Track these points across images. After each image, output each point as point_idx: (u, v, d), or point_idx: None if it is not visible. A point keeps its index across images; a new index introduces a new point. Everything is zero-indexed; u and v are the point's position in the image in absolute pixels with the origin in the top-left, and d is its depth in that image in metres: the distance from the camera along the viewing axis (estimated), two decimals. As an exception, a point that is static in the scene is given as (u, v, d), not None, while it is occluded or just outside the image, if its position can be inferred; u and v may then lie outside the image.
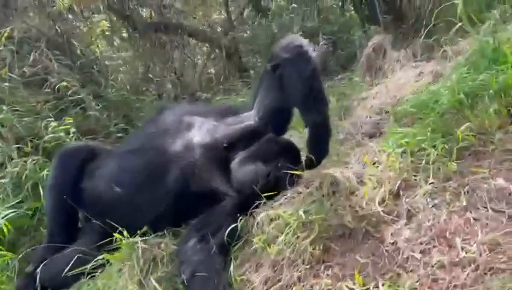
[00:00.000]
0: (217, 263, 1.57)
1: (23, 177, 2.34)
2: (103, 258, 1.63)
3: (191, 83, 5.16)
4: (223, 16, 5.60)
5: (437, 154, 1.81)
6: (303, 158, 1.99)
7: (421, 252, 1.46)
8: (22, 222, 2.23)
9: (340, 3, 6.42)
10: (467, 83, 2.12)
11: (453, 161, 1.78)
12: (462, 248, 1.42)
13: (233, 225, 1.66)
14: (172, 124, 2.01)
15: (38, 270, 1.88)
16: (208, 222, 1.74)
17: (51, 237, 2.05)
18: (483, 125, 1.96)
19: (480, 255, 1.35)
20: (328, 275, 1.48)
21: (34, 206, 2.29)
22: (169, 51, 5.24)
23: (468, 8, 2.79)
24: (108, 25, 6.56)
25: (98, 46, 4.56)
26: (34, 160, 2.43)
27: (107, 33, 6.91)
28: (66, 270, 1.67)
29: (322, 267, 1.52)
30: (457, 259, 1.37)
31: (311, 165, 1.89)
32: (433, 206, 1.65)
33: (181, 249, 1.66)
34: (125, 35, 5.54)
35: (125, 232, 1.69)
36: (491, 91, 2.03)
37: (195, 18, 5.66)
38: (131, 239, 1.67)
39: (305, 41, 1.87)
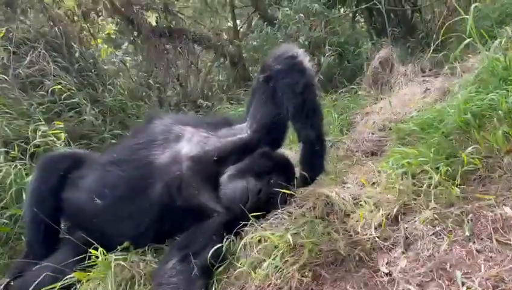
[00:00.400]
0: (196, 287, 1.46)
1: (7, 182, 2.25)
2: (73, 277, 1.53)
3: (193, 91, 5.08)
4: (229, 24, 5.53)
5: (440, 177, 1.70)
6: (297, 175, 1.88)
7: (418, 285, 1.35)
8: (2, 230, 2.13)
9: (351, 15, 6.36)
10: (474, 103, 2.01)
11: (456, 185, 1.66)
12: (463, 283, 1.30)
13: (217, 246, 1.55)
14: (160, 134, 1.90)
15: (11, 283, 1.78)
16: (192, 241, 1.62)
17: (29, 248, 1.95)
18: (491, 149, 1.84)
19: (483, 292, 1.23)
20: (315, 305, 1.37)
21: (17, 213, 2.18)
22: (173, 57, 5.16)
23: (479, 23, 2.69)
24: (114, 28, 6.54)
25: (99, 49, 4.47)
26: (21, 165, 2.33)
27: (112, 36, 6.90)
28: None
29: (310, 297, 1.40)
30: (457, 295, 1.25)
31: (305, 182, 1.78)
32: (433, 234, 1.53)
33: (160, 269, 1.55)
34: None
35: (100, 249, 1.57)
36: (500, 112, 1.91)
37: (201, 25, 5.59)
38: (107, 256, 1.56)
39: (299, 52, 1.77)
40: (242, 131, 1.95)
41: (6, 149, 2.45)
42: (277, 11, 5.21)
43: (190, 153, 1.81)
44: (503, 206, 1.56)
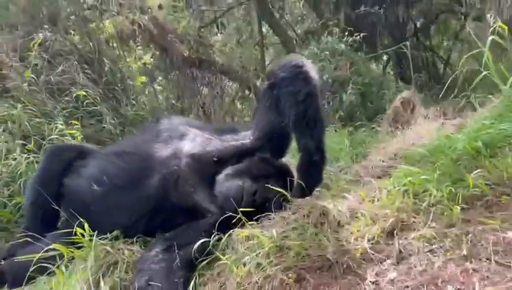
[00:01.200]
0: (176, 277, 1.42)
1: (18, 172, 2.32)
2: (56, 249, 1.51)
3: (216, 119, 5.18)
4: (256, 56, 5.70)
5: (442, 197, 1.63)
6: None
7: (405, 296, 1.26)
8: (4, 215, 2.18)
9: (381, 66, 6.46)
10: (486, 131, 1.95)
11: (459, 206, 1.59)
12: (454, 299, 1.21)
13: (204, 240, 1.52)
14: (165, 131, 1.93)
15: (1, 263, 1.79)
16: (180, 234, 1.61)
17: (26, 231, 1.97)
18: (501, 176, 1.77)
19: (475, 309, 1.14)
20: (294, 307, 1.30)
21: (22, 202, 2.23)
22: (200, 86, 5.32)
23: (498, 63, 2.67)
24: (150, 58, 6.86)
25: (129, 67, 4.67)
26: (33, 157, 2.41)
27: (148, 66, 7.22)
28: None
29: (290, 298, 1.34)
30: (445, 309, 1.17)
31: (302, 193, 1.74)
32: (429, 251, 1.45)
33: (143, 256, 1.52)
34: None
35: (87, 228, 1.57)
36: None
37: (230, 58, 5.79)
38: (93, 237, 1.55)
39: (306, 62, 1.79)
40: (246, 137, 1.96)
41: (23, 142, 2.54)
42: (305, 50, 5.34)
43: (191, 151, 1.83)
44: (508, 231, 1.48)
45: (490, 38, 2.12)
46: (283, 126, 1.82)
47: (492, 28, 2.18)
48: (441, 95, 3.01)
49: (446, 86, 3.64)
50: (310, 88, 1.71)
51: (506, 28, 2.17)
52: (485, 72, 2.18)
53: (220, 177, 1.76)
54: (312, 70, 1.78)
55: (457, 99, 3.59)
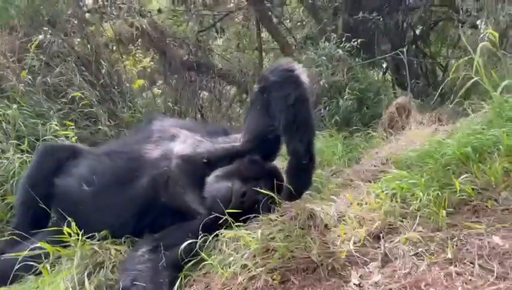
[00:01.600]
0: (162, 277, 1.43)
1: (11, 172, 2.33)
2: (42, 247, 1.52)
3: (213, 122, 5.19)
4: (254, 61, 5.72)
5: (430, 202, 1.64)
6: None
7: (388, 298, 1.27)
8: (-5, 214, 2.19)
9: (379, 72, 6.49)
10: (475, 137, 1.96)
11: (446, 210, 1.60)
12: (436, 301, 1.22)
13: (190, 241, 1.52)
14: (156, 132, 1.94)
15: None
16: (166, 236, 1.61)
17: (15, 229, 1.97)
18: (488, 182, 1.78)
19: (455, 310, 1.15)
20: (277, 308, 1.31)
21: (14, 201, 2.24)
22: (198, 89, 5.34)
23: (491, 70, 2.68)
24: (150, 63, 6.89)
25: (126, 72, 4.69)
26: (27, 157, 2.42)
27: (148, 70, 7.24)
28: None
29: (274, 299, 1.34)
30: (425, 311, 1.17)
31: (291, 196, 1.74)
32: (414, 254, 1.46)
33: (129, 255, 1.53)
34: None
35: (74, 227, 1.58)
36: (501, 147, 1.87)
37: (228, 62, 5.81)
38: (80, 236, 1.55)
39: (296, 66, 1.78)
40: (236, 140, 1.97)
41: (17, 142, 2.56)
42: (303, 55, 5.36)
43: (181, 152, 1.84)
44: (493, 236, 1.49)
45: (480, 44, 2.14)
46: (273, 130, 1.81)
47: (482, 35, 2.19)
48: (434, 99, 3.02)
49: (439, 92, 3.66)
50: (300, 92, 1.70)
51: (496, 35, 2.19)
52: (475, 78, 2.20)
53: (210, 178, 1.77)
54: (303, 74, 1.77)
55: (452, 105, 3.61)
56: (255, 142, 1.90)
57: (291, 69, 1.76)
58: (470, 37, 4.09)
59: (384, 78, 6.50)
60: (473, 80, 2.19)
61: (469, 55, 2.48)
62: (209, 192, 1.73)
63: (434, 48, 6.87)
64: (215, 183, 1.75)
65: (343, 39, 4.96)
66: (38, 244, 1.50)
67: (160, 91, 6.31)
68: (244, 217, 1.67)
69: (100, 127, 3.22)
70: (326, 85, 4.56)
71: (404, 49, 4.36)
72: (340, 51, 4.79)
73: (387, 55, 4.99)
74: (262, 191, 1.71)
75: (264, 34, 6.46)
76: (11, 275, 1.63)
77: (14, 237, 1.86)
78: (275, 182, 1.79)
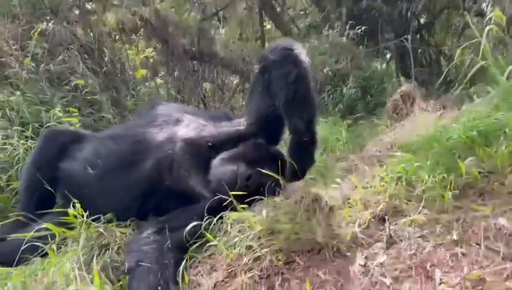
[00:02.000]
0: (167, 258, 1.43)
1: (15, 158, 2.34)
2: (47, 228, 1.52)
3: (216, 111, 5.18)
4: (257, 50, 5.69)
5: (435, 184, 1.63)
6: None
7: (393, 278, 1.27)
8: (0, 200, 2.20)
9: (382, 60, 6.44)
10: (482, 121, 1.95)
11: (451, 193, 1.59)
12: (441, 280, 1.22)
13: (195, 223, 1.52)
14: (161, 117, 1.94)
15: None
16: (172, 218, 1.61)
17: (20, 214, 1.98)
18: (495, 165, 1.76)
19: (462, 290, 1.14)
20: (282, 288, 1.31)
21: (17, 186, 2.25)
22: (200, 79, 5.33)
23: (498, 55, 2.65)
24: (153, 52, 6.86)
25: (130, 59, 4.68)
26: (31, 143, 2.43)
27: (150, 60, 7.23)
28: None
29: (280, 280, 1.34)
30: (431, 290, 1.17)
31: (295, 175, 1.73)
32: (419, 236, 1.45)
33: (134, 237, 1.53)
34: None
35: (79, 209, 1.58)
36: (507, 130, 1.85)
37: (231, 51, 5.78)
38: (85, 218, 1.56)
39: (296, 45, 1.76)
40: (240, 124, 1.96)
41: (21, 128, 2.56)
42: (306, 44, 5.33)
43: (185, 136, 1.83)
44: (499, 218, 1.48)
45: (487, 28, 2.11)
46: (275, 110, 1.79)
47: (488, 18, 2.16)
48: (438, 86, 2.99)
49: (443, 77, 3.63)
50: (300, 70, 1.68)
51: (504, 17, 2.16)
52: (482, 62, 2.17)
53: (215, 162, 1.76)
54: (302, 52, 1.75)
55: (458, 92, 3.59)
56: (258, 124, 1.89)
57: (290, 48, 1.74)
58: (476, 25, 4.04)
59: (388, 66, 6.47)
60: (479, 64, 2.16)
61: (476, 44, 2.45)
62: (214, 175, 1.73)
63: (438, 37, 6.82)
64: (220, 166, 1.74)
65: (347, 27, 4.92)
66: (44, 226, 1.50)
67: (162, 82, 6.32)
68: (249, 200, 1.67)
69: (103, 114, 3.22)
70: (330, 73, 4.54)
71: (409, 37, 4.31)
72: (344, 38, 4.76)
73: (391, 42, 4.94)
74: (267, 173, 1.70)
75: (267, 23, 6.42)
76: (17, 257, 1.64)
77: (20, 218, 1.87)
78: (280, 165, 1.79)
